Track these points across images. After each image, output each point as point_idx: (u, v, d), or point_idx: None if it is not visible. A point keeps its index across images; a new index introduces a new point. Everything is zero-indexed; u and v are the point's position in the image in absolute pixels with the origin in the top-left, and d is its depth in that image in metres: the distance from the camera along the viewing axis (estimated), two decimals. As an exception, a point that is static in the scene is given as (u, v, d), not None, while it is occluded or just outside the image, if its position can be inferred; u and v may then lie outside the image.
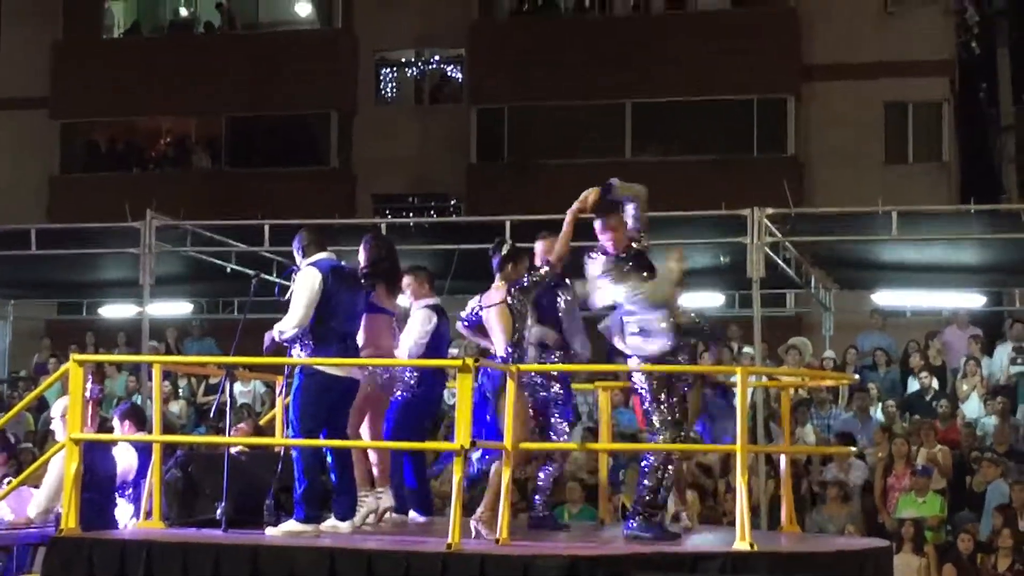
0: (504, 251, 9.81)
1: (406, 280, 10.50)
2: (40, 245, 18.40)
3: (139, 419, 11.01)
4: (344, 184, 30.30)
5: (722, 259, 18.18)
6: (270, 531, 9.27)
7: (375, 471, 10.26)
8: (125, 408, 11.33)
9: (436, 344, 10.40)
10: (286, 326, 9.32)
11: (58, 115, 31.29)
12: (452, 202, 30.22)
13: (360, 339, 9.89)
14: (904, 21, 28.06)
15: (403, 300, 10.40)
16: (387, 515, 10.22)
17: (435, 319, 10.45)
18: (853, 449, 14.84)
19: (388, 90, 31.76)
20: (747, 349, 18.43)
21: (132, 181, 29.75)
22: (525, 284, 9.62)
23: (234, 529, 9.35)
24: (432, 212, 29.68)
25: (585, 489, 15.16)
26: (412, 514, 10.85)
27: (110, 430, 11.43)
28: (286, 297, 9.54)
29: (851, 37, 28.18)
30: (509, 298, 9.59)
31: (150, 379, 14.19)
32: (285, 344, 9.47)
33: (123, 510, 10.45)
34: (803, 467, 16.21)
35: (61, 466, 9.68)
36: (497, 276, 9.82)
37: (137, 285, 17.82)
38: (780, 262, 18.20)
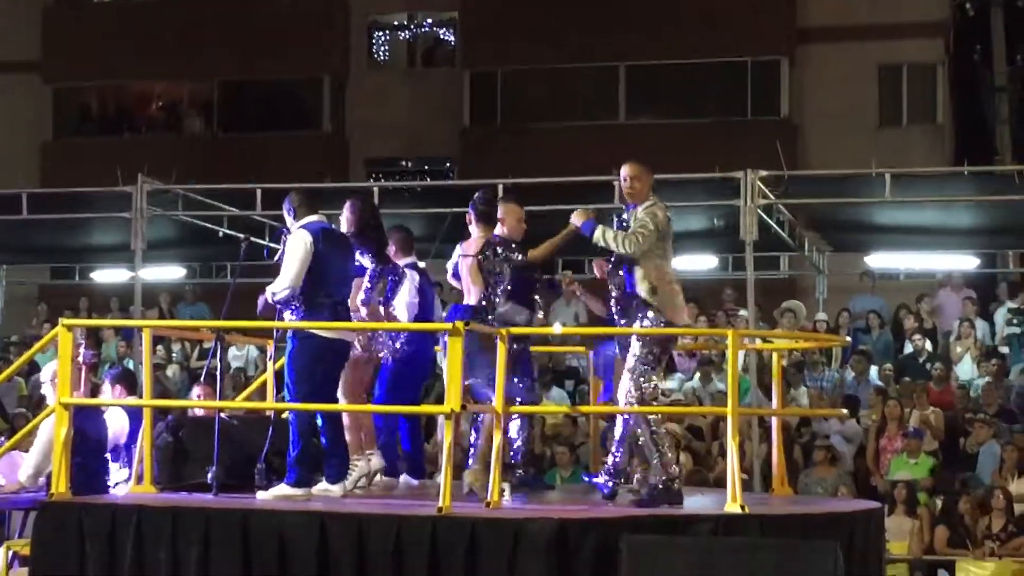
0: (481, 206, 9.78)
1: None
2: (31, 210, 18.33)
3: (130, 383, 10.97)
4: (337, 148, 30.22)
5: (715, 222, 18.16)
6: (261, 495, 9.24)
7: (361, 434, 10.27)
8: (116, 372, 11.28)
9: (421, 303, 10.38)
10: (278, 287, 9.27)
11: (50, 80, 31.18)
12: (445, 166, 30.17)
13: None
14: (897, -18, 27.97)
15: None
16: (377, 477, 10.21)
17: (418, 277, 10.45)
18: (844, 412, 14.83)
19: (381, 54, 31.64)
20: (742, 312, 18.42)
21: (124, 145, 29.65)
22: (499, 254, 9.57)
23: (225, 493, 9.34)
24: (425, 176, 29.65)
25: (573, 452, 15.20)
26: (404, 477, 10.86)
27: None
28: (276, 259, 9.49)
29: (845, -1, 28.11)
30: (482, 256, 9.59)
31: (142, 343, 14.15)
32: (278, 307, 9.43)
33: (114, 474, 10.44)
34: (795, 430, 16.20)
35: (50, 430, 9.65)
36: (476, 227, 9.79)
37: (129, 250, 17.78)
38: (773, 224, 18.16)
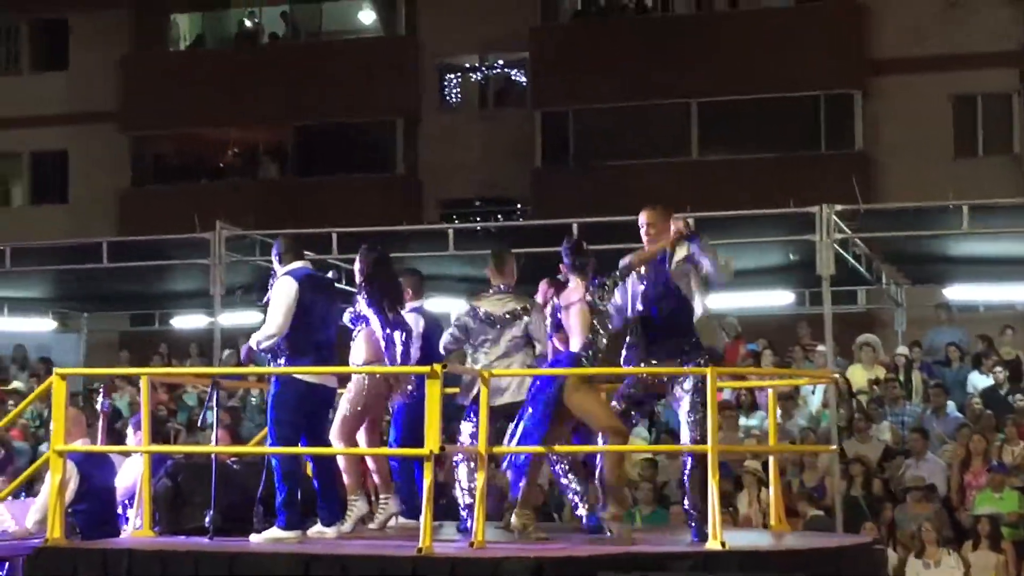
0: (577, 247, 9.73)
1: None
2: (111, 258, 18.57)
3: (152, 429, 10.94)
4: (410, 190, 30.43)
5: (791, 257, 18.07)
6: (254, 538, 9.34)
7: (376, 478, 10.34)
8: (138, 418, 11.16)
9: (425, 347, 10.39)
10: (263, 335, 9.43)
11: (127, 129, 31.63)
12: (518, 206, 30.27)
13: (363, 353, 9.93)
14: (969, 12, 27.80)
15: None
16: (393, 520, 10.29)
17: (422, 323, 10.51)
18: (833, 448, 14.57)
19: (452, 95, 31.84)
20: (820, 348, 18.28)
21: (201, 192, 29.99)
22: (603, 283, 9.54)
23: (221, 537, 9.40)
24: (498, 216, 29.74)
25: (656, 491, 15.01)
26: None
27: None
28: (264, 301, 9.62)
29: (917, 30, 27.97)
30: (587, 295, 9.55)
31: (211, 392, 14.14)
32: (261, 354, 9.52)
33: (133, 520, 10.41)
34: (878, 466, 16.03)
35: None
36: (572, 273, 9.72)
37: (208, 295, 17.96)
38: (850, 259, 18.03)
